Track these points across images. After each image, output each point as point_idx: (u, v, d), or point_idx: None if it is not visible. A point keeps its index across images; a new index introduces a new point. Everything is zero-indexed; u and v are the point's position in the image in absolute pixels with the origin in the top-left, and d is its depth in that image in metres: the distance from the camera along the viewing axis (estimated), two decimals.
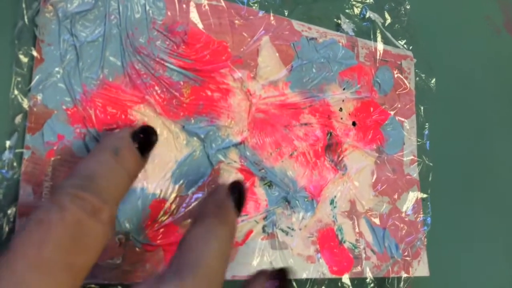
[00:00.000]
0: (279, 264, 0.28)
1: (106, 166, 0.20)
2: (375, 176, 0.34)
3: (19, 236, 0.17)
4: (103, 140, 0.21)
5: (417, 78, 0.37)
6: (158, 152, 0.26)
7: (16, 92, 0.23)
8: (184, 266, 0.19)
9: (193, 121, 0.27)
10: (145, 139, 0.21)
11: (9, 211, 0.21)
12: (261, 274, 0.22)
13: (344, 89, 0.33)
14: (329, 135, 0.32)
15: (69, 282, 0.17)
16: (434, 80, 0.37)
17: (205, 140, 0.27)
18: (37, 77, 0.23)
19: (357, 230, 0.32)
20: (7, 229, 0.21)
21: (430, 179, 0.36)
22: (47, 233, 0.17)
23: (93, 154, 0.20)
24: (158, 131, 0.26)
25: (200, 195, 0.27)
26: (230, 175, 0.28)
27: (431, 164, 0.36)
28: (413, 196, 0.35)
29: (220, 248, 0.20)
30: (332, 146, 0.32)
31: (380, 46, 0.35)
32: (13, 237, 0.17)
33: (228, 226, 0.21)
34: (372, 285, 0.32)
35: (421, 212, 0.35)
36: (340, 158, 0.32)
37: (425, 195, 0.35)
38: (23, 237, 0.17)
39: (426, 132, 0.37)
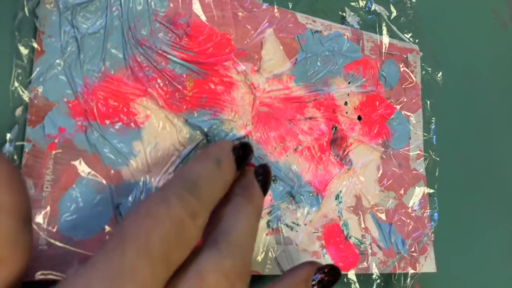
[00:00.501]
0: (283, 260, 0.28)
1: (209, 173, 0.21)
2: (380, 171, 0.33)
3: (128, 225, 0.18)
4: (208, 149, 0.23)
5: (423, 72, 0.36)
6: (161, 145, 0.25)
7: (16, 84, 0.22)
8: (218, 236, 0.21)
9: (196, 114, 0.27)
10: (243, 153, 0.23)
11: None
12: (310, 263, 0.23)
13: (349, 82, 0.33)
14: (334, 129, 0.32)
15: (164, 273, 0.18)
16: (440, 73, 0.37)
17: (208, 133, 0.27)
18: (38, 69, 0.23)
19: (363, 225, 0.32)
20: None
21: (437, 174, 0.35)
22: (155, 224, 0.18)
23: (198, 160, 0.22)
24: (161, 124, 0.25)
25: None
26: None
27: (438, 159, 0.35)
28: (420, 191, 0.35)
29: (249, 224, 0.22)
30: (337, 141, 0.32)
31: (385, 39, 0.35)
32: (121, 224, 0.18)
33: (254, 205, 0.23)
34: (378, 281, 0.31)
35: (428, 208, 0.35)
36: (345, 153, 0.32)
37: (432, 190, 0.35)
38: (133, 225, 0.18)
39: (433, 126, 0.36)
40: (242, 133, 0.28)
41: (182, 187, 0.19)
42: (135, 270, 0.16)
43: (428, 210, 0.35)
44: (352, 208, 0.31)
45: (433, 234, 0.34)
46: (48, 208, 0.22)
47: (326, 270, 0.23)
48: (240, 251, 0.20)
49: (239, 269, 0.20)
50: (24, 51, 0.23)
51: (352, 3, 0.34)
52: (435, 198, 0.35)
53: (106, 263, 0.16)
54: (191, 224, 0.19)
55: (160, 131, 0.25)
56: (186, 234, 0.19)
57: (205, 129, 0.27)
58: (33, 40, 0.23)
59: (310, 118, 0.31)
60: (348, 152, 0.32)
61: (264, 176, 0.24)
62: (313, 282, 0.23)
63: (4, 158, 0.17)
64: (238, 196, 0.23)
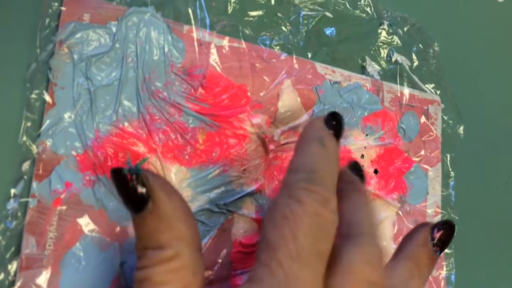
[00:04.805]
0: None
1: (320, 157, 0.20)
2: (396, 228, 0.32)
3: (271, 233, 0.18)
4: (305, 133, 0.22)
5: (444, 125, 0.35)
6: None
7: (24, 138, 0.22)
8: (349, 230, 0.20)
9: (206, 170, 0.26)
10: (336, 123, 0.22)
11: (9, 266, 0.20)
12: (423, 226, 0.23)
13: (367, 135, 0.32)
14: None
15: (321, 269, 0.18)
16: (462, 127, 0.36)
17: (216, 200, 0.26)
18: (47, 122, 0.22)
19: None
20: (6, 283, 0.20)
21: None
22: (295, 225, 0.18)
23: (302, 148, 0.21)
24: (174, 178, 0.25)
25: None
26: (245, 224, 0.27)
27: (456, 217, 0.34)
28: None
29: (370, 213, 0.21)
30: None
31: (406, 90, 0.34)
32: (263, 235, 0.18)
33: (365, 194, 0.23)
34: None
35: (444, 269, 0.33)
36: None
37: (448, 251, 0.33)
38: (275, 233, 0.18)
39: (452, 183, 0.35)
40: (253, 187, 0.27)
41: (304, 180, 0.19)
42: (295, 276, 0.17)
43: (445, 272, 0.33)
44: None
45: None
46: (50, 268, 0.21)
47: (440, 226, 0.23)
48: (373, 238, 0.20)
49: (378, 254, 0.20)
50: (35, 103, 0.22)
51: (373, 52, 0.33)
52: (452, 259, 0.33)
53: (269, 275, 0.17)
54: (326, 211, 0.19)
55: None
56: (325, 223, 0.19)
57: (212, 196, 0.26)
58: (44, 92, 0.22)
59: None
60: None
61: (359, 171, 0.24)
62: (433, 242, 0.22)
63: (177, 191, 0.18)
64: (347, 191, 0.22)
